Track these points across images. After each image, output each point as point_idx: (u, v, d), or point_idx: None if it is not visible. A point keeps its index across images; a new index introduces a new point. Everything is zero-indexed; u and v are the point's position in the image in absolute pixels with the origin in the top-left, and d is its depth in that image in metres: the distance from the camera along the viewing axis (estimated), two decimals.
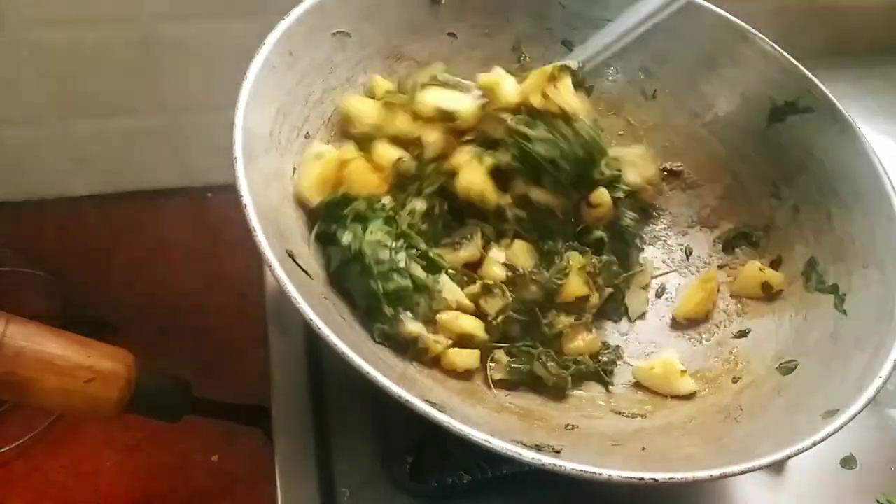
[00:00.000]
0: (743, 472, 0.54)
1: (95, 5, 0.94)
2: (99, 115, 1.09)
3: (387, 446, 0.67)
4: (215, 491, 1.20)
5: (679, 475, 0.52)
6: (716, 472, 0.53)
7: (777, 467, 0.72)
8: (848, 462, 0.73)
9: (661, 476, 0.52)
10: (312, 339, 0.74)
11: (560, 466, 0.51)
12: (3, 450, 1.16)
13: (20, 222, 1.19)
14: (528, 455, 0.51)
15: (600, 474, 0.51)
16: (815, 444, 0.55)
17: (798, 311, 0.71)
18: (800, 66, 0.76)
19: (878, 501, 0.70)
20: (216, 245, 1.30)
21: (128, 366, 0.68)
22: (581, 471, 0.51)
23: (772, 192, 0.77)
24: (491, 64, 0.78)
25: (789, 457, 0.55)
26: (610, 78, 0.83)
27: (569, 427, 0.64)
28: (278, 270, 0.53)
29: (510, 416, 0.64)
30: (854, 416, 0.57)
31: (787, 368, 0.67)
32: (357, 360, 0.51)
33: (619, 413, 0.67)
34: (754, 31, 0.77)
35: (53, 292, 1.23)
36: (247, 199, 0.56)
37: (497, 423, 0.62)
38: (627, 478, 0.51)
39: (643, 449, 0.61)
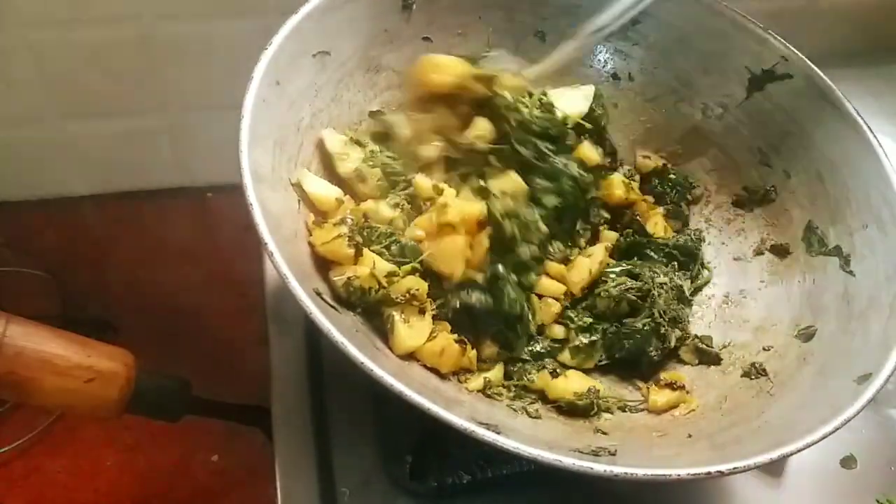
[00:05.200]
0: (801, 450, 0.54)
1: (95, 5, 0.94)
2: (99, 115, 1.09)
3: (387, 446, 0.67)
4: (215, 491, 1.20)
5: (741, 463, 0.52)
6: (775, 454, 0.53)
7: (777, 467, 0.72)
8: (848, 462, 0.73)
9: (725, 467, 0.52)
10: (312, 339, 0.74)
11: (632, 474, 0.50)
12: (3, 450, 1.16)
13: (20, 222, 1.19)
14: (600, 468, 0.51)
15: (670, 475, 0.51)
16: (858, 412, 0.56)
17: (805, 277, 0.72)
18: (773, 34, 0.76)
19: (878, 501, 0.70)
20: (216, 245, 1.30)
21: (127, 366, 0.68)
22: (653, 475, 0.51)
23: (760, 159, 0.78)
24: None
25: (836, 428, 0.55)
26: (587, 64, 0.83)
27: (608, 421, 0.65)
28: (321, 319, 0.52)
29: (552, 422, 0.64)
30: (888, 379, 0.58)
31: (807, 335, 0.68)
32: (423, 401, 0.50)
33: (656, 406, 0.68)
34: (724, 3, 0.77)
35: (53, 292, 1.23)
36: (272, 246, 0.54)
37: (546, 432, 0.62)
38: (695, 475, 0.51)
39: (689, 436, 0.61)
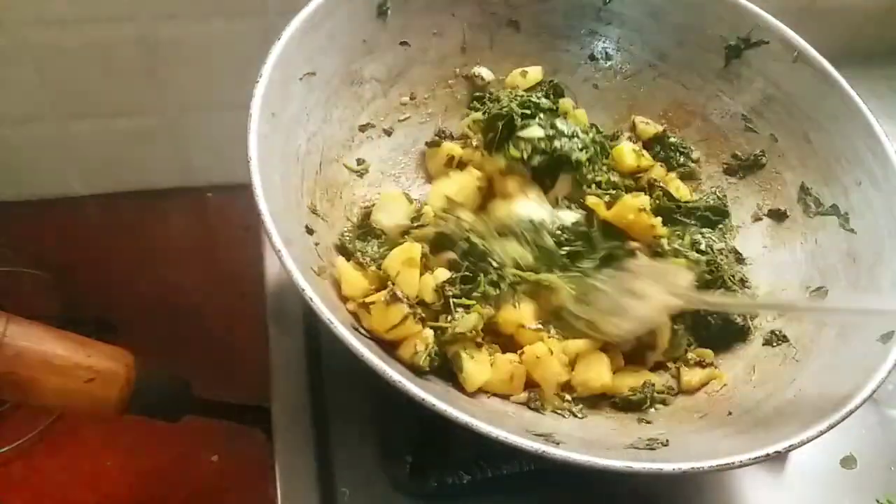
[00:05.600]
0: (846, 417, 0.54)
1: (95, 5, 0.94)
2: (99, 115, 1.08)
3: (387, 446, 0.67)
4: (215, 491, 1.20)
5: (796, 440, 0.52)
6: (823, 425, 0.53)
7: (777, 466, 0.72)
8: (848, 462, 0.73)
9: (781, 447, 0.52)
10: (312, 339, 0.74)
11: (699, 468, 0.51)
12: (3, 450, 1.16)
13: (20, 222, 1.19)
14: (669, 467, 0.51)
15: (733, 463, 0.51)
16: (890, 371, 0.57)
17: (807, 238, 0.73)
18: (744, 1, 0.76)
19: (878, 501, 0.70)
20: (216, 245, 1.30)
21: (128, 366, 0.68)
22: (717, 465, 0.51)
23: (745, 126, 0.78)
24: (444, 63, 0.79)
25: (874, 391, 0.56)
26: (563, 48, 0.83)
27: (650, 408, 0.65)
28: (366, 353, 0.52)
29: (597, 417, 0.64)
30: None
31: (819, 296, 0.68)
32: (479, 424, 0.50)
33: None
34: None
35: (53, 292, 1.23)
36: (309, 293, 0.53)
37: (594, 431, 0.62)
38: (755, 459, 0.51)
39: (729, 413, 0.61)
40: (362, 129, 0.76)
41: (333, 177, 0.72)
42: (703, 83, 0.80)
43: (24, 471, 1.17)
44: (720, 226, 0.76)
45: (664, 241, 0.71)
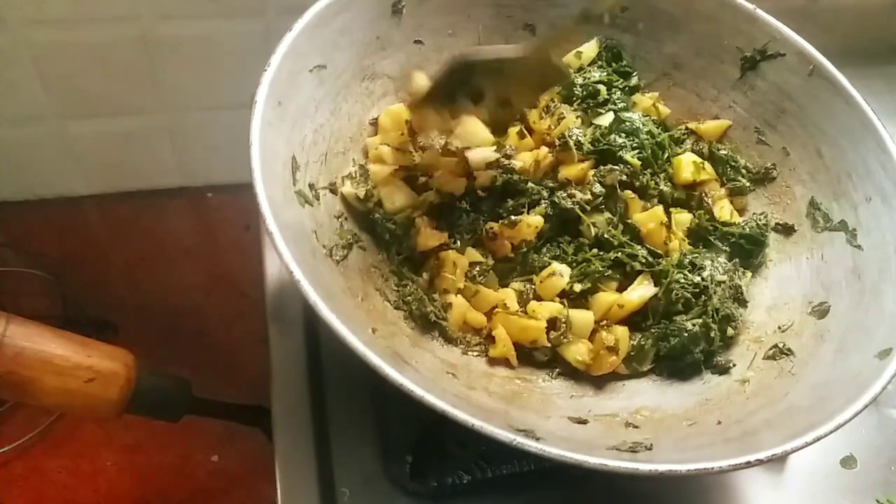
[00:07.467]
0: (833, 431, 0.54)
1: (95, 5, 0.94)
2: (99, 115, 1.09)
3: (387, 446, 0.67)
4: (215, 491, 1.20)
5: (778, 450, 0.53)
6: (809, 437, 0.53)
7: (777, 466, 0.72)
8: (848, 462, 0.73)
9: (763, 455, 0.52)
10: (312, 339, 0.74)
11: (675, 471, 0.51)
12: (3, 450, 1.16)
13: (20, 222, 1.19)
14: (645, 468, 0.51)
15: (711, 468, 0.51)
16: (884, 388, 0.56)
17: (813, 253, 0.72)
18: (762, 13, 0.76)
19: (877, 501, 0.70)
20: (216, 245, 1.31)
21: (128, 366, 0.68)
22: (695, 470, 0.51)
23: (758, 139, 0.78)
24: None
25: (865, 406, 0.55)
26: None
27: (639, 414, 0.64)
28: (362, 349, 0.52)
29: (596, 424, 0.63)
30: None
31: (821, 311, 0.68)
32: (478, 422, 0.50)
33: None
34: None
35: (53, 292, 1.23)
36: (298, 274, 0.53)
37: (581, 434, 0.62)
38: (735, 465, 0.52)
39: (719, 423, 0.61)
40: (372, 124, 0.76)
41: (338, 169, 0.72)
42: (718, 94, 0.80)
43: (24, 471, 1.17)
44: (751, 258, 0.74)
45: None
